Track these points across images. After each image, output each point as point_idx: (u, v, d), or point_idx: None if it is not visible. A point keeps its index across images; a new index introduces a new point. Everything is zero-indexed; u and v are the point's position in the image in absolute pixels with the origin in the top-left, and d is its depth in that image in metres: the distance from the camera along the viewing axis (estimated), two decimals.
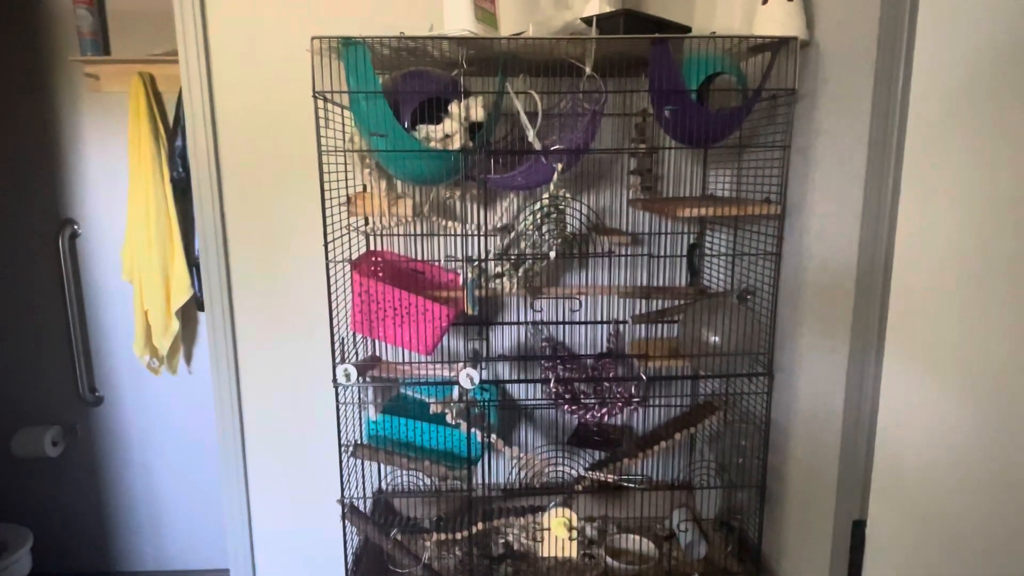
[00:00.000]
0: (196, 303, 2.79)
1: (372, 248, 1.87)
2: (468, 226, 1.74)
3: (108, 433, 2.98)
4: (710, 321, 1.63)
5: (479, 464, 1.89)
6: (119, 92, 2.67)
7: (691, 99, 1.43)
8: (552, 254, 1.51)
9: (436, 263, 1.81)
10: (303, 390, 2.04)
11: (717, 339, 1.59)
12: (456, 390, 1.53)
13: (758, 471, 1.62)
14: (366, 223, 1.81)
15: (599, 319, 1.93)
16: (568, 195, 1.50)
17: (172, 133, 2.62)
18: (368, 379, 1.56)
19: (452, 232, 1.76)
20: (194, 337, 2.97)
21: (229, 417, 2.07)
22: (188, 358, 2.97)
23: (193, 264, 2.70)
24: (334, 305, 1.54)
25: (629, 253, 1.91)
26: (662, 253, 1.89)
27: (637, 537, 1.91)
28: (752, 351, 1.57)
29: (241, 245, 1.97)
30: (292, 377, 2.04)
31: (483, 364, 1.56)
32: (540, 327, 1.94)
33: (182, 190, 2.64)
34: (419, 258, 1.85)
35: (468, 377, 1.46)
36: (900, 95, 1.21)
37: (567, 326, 1.96)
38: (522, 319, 1.97)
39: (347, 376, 1.46)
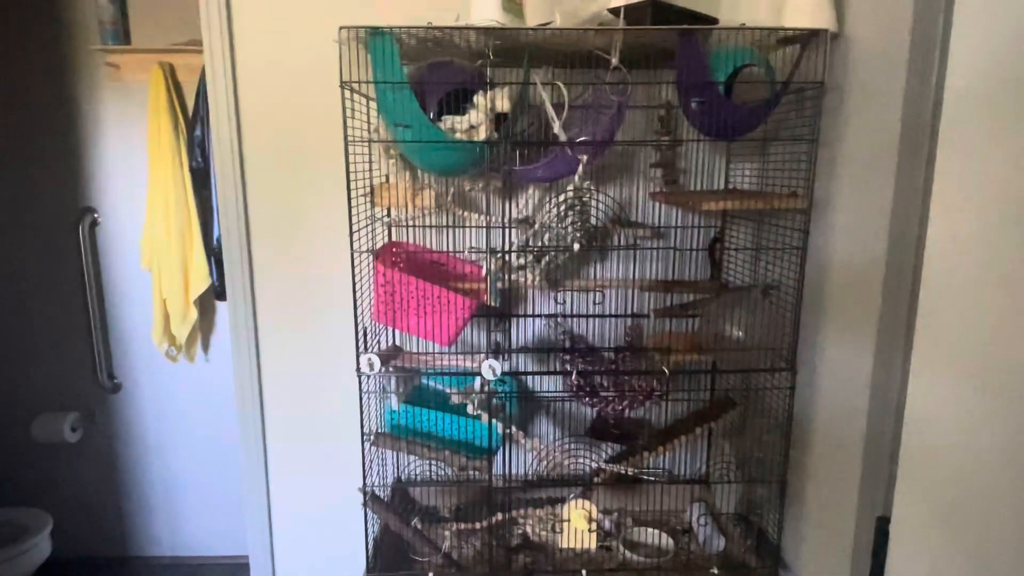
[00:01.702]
0: (214, 292, 2.80)
1: (394, 239, 1.87)
2: (490, 218, 1.74)
3: (126, 420, 3.01)
4: (732, 316, 1.63)
5: (498, 455, 1.89)
6: (139, 81, 2.67)
7: (719, 91, 1.42)
8: (576, 247, 1.51)
9: (458, 255, 1.81)
10: (323, 379, 2.05)
11: (740, 334, 1.58)
12: (477, 381, 1.53)
13: (778, 466, 1.61)
14: (388, 214, 1.82)
15: (619, 312, 1.93)
16: (592, 187, 1.49)
17: (191, 123, 2.62)
18: (391, 369, 1.57)
19: (474, 224, 1.76)
20: (211, 326, 2.99)
21: (250, 405, 2.08)
22: (205, 346, 3.00)
23: (211, 254, 2.72)
24: (356, 295, 1.54)
25: (651, 246, 1.90)
26: (684, 247, 1.88)
27: (654, 530, 1.91)
28: (775, 346, 1.56)
29: (263, 234, 1.97)
30: (312, 366, 2.05)
31: (505, 356, 1.56)
32: (560, 320, 1.94)
33: (201, 180, 2.65)
34: (441, 249, 1.85)
35: (490, 368, 1.46)
36: (934, 88, 1.20)
37: (586, 319, 1.96)
38: (542, 312, 1.97)
39: (371, 365, 1.46)
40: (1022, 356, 0.98)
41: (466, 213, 1.76)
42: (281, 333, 2.03)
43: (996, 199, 1.03)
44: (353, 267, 1.49)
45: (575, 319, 1.95)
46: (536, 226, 1.54)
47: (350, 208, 1.46)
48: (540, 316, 1.93)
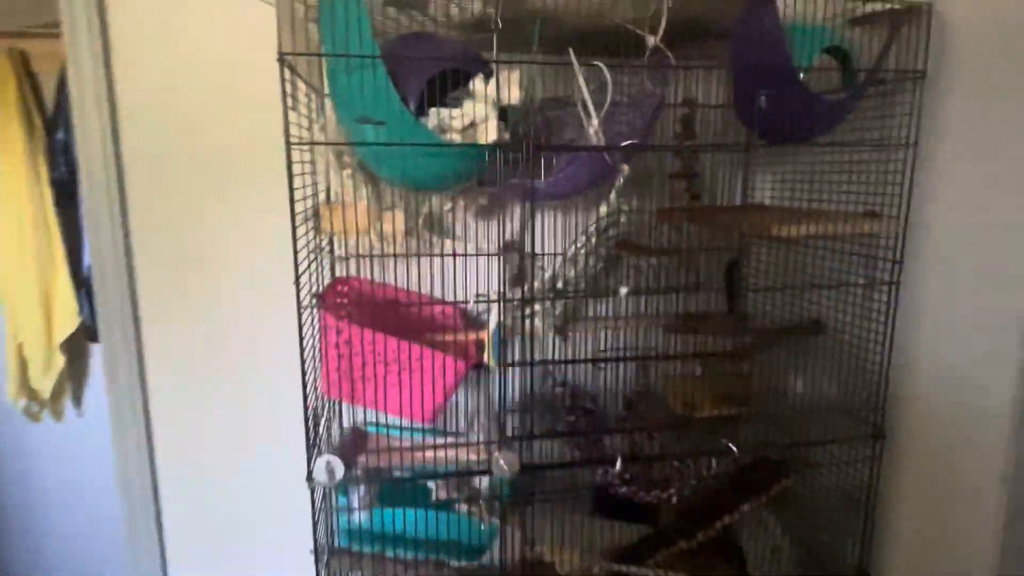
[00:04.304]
0: (85, 332, 2.29)
1: (340, 275, 1.41)
2: (473, 246, 1.32)
3: None
4: (792, 363, 1.30)
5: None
6: None
7: (798, 80, 1.07)
8: (623, 291, 1.11)
9: (438, 301, 1.36)
10: (244, 454, 1.57)
11: (801, 387, 1.25)
12: (485, 482, 1.10)
13: (854, 558, 1.28)
14: (331, 244, 1.36)
15: (625, 355, 1.54)
16: (627, 208, 1.11)
17: (52, 123, 2.18)
18: (357, 470, 1.10)
19: (458, 252, 1.31)
20: (84, 374, 2.47)
21: (139, 486, 1.59)
22: (77, 400, 2.47)
23: (82, 285, 2.24)
24: (306, 370, 1.07)
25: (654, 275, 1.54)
26: (700, 275, 1.53)
27: None
28: (853, 405, 1.23)
29: (152, 264, 1.50)
30: (227, 437, 1.57)
31: (526, 443, 1.14)
32: (552, 369, 1.54)
33: (68, 194, 2.19)
34: (407, 289, 1.41)
35: (505, 465, 1.04)
36: None
37: (580, 366, 1.56)
38: (525, 357, 1.56)
39: (331, 473, 0.99)
40: None
41: (443, 241, 1.32)
42: (180, 392, 1.55)
43: None
44: (301, 326, 1.02)
45: (570, 367, 1.55)
46: (559, 261, 1.14)
47: (295, 240, 0.99)
48: (531, 365, 1.51)
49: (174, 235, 1.48)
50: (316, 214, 1.18)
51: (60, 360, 2.29)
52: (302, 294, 1.01)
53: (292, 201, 0.98)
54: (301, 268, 1.01)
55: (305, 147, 1.13)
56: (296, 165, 1.09)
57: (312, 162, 1.19)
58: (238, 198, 1.46)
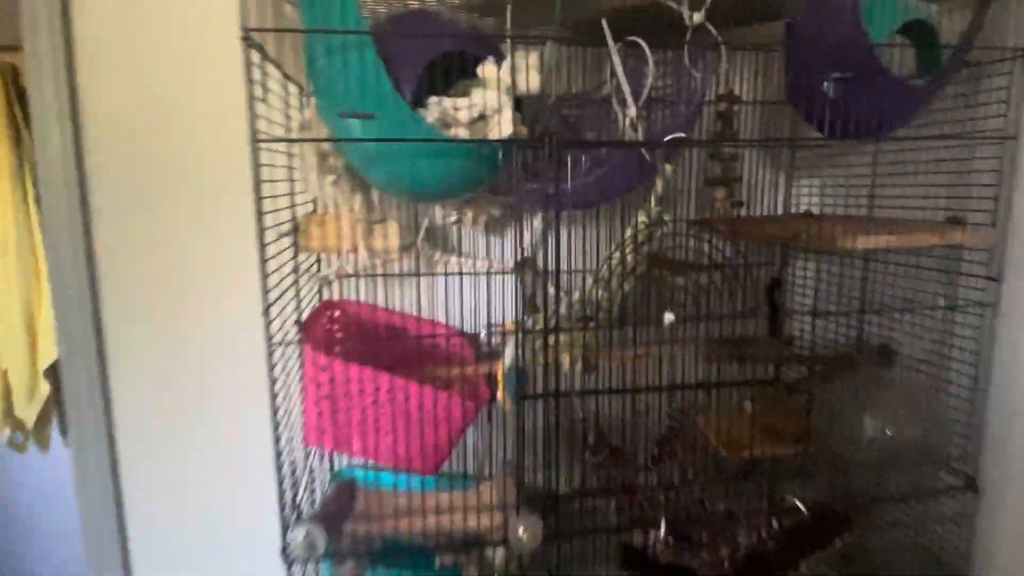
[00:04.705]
0: None
1: (326, 300, 1.23)
2: (483, 265, 1.14)
3: None
4: (854, 397, 1.10)
5: None
6: None
7: (878, 61, 0.88)
8: (669, 317, 0.92)
9: (442, 329, 1.18)
10: (218, 505, 1.40)
11: (889, 430, 1.05)
12: (498, 552, 0.91)
13: None
14: (318, 264, 1.18)
15: (663, 384, 1.35)
16: (669, 217, 0.92)
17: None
18: (345, 539, 0.91)
19: (479, 272, 1.13)
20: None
21: (107, 540, 1.41)
22: (63, 428, 2.32)
23: None
24: (279, 422, 0.89)
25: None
26: (757, 295, 1.34)
27: None
28: (936, 450, 1.03)
29: (122, 292, 1.34)
30: (200, 482, 1.40)
31: (552, 505, 0.94)
32: (574, 399, 1.35)
33: None
34: (404, 315, 1.22)
35: (525, 534, 0.84)
36: None
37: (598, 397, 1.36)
38: (542, 390, 1.37)
39: (311, 547, 0.80)
40: None
41: (448, 258, 1.14)
42: (150, 432, 1.39)
43: None
44: (272, 366, 0.84)
45: (586, 400, 1.35)
46: (587, 282, 0.96)
47: (263, 262, 0.81)
48: (555, 396, 1.32)
49: (147, 258, 1.31)
50: (296, 228, 1.01)
51: (45, 388, 2.19)
52: (275, 326, 0.83)
53: (260, 213, 0.79)
54: (274, 295, 0.83)
55: (279, 148, 0.94)
56: (270, 170, 0.91)
57: (291, 167, 1.01)
58: (213, 215, 1.29)
